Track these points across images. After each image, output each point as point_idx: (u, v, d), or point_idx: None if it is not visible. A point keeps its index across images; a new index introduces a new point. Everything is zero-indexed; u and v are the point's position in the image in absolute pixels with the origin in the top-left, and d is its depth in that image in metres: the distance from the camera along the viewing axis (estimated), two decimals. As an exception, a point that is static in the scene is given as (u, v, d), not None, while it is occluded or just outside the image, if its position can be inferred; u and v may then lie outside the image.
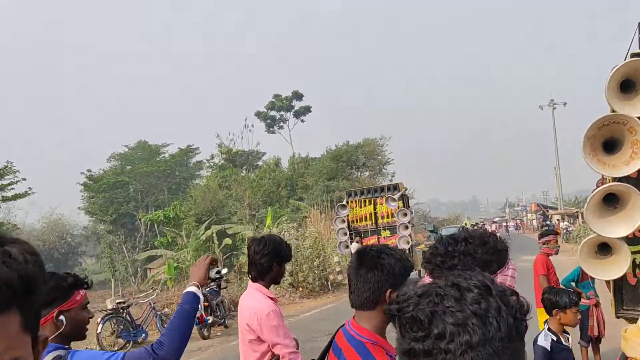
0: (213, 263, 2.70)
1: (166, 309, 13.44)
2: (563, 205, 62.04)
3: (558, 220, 52.42)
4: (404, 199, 18.78)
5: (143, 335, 11.02)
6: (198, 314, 2.35)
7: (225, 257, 34.52)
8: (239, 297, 13.04)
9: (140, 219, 59.96)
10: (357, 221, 18.89)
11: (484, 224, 45.34)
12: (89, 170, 62.88)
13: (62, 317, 2.19)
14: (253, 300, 3.28)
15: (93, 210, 61.33)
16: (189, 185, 64.48)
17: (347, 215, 18.72)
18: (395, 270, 2.02)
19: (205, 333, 11.72)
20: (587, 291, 6.90)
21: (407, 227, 17.93)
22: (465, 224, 43.60)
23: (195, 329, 12.65)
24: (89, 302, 2.34)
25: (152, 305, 11.65)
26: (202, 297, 2.54)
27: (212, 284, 12.95)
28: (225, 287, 14.27)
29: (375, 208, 18.67)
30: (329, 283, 18.71)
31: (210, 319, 11.84)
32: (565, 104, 56.34)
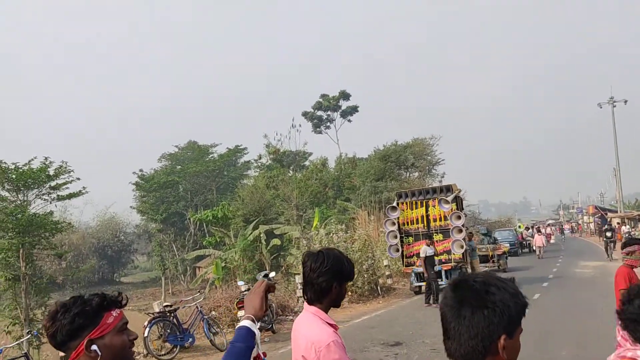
0: (271, 290, 2.24)
1: (213, 312, 13.20)
2: (623, 208, 59.13)
3: (618, 223, 49.91)
4: (458, 201, 18.00)
5: (190, 339, 10.78)
6: (254, 353, 1.86)
7: (272, 257, 34.39)
8: (286, 299, 12.59)
9: (189, 218, 60.84)
10: (408, 224, 18.23)
11: (538, 227, 43.55)
12: (140, 170, 64.29)
13: (94, 347, 1.79)
14: (310, 328, 2.80)
15: (144, 209, 62.63)
16: (236, 185, 64.96)
17: (398, 218, 18.08)
18: (510, 308, 1.51)
19: (253, 338, 11.39)
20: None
21: (461, 231, 17.16)
22: (520, 226, 42.12)
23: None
24: (127, 322, 1.92)
25: (199, 308, 11.41)
26: (258, 333, 2.09)
27: (259, 287, 12.65)
28: (273, 292, 13.97)
29: (427, 210, 17.97)
30: (378, 287, 18.12)
31: (258, 324, 11.48)
32: (626, 101, 53.64)
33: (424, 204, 18.02)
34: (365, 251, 17.91)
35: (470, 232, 21.62)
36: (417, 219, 18.09)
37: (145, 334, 10.15)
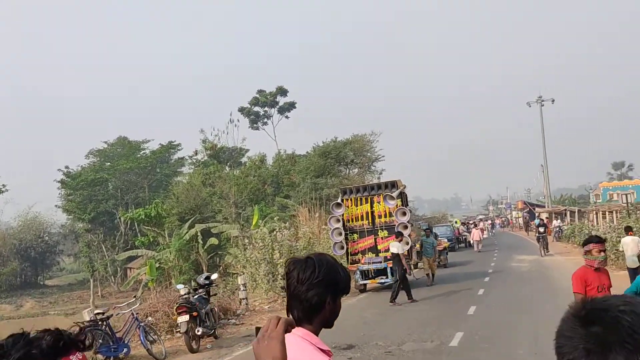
0: (289, 329, 1.60)
1: (149, 318, 12.26)
2: (550, 202, 61.75)
3: (547, 218, 51.99)
4: (403, 197, 17.78)
5: (125, 350, 9.84)
6: None
7: (209, 257, 33.28)
8: (227, 302, 11.78)
9: (119, 217, 58.29)
10: (352, 220, 17.84)
11: (475, 222, 44.60)
12: (66, 167, 61.03)
13: None
14: (300, 357, 2.19)
15: (71, 208, 59.48)
16: (170, 182, 62.89)
17: (342, 215, 17.67)
18: None
19: (194, 346, 10.57)
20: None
21: (406, 227, 16.92)
22: (456, 222, 42.96)
23: (183, 340, 11.49)
24: None
25: (135, 315, 10.48)
26: None
27: (200, 290, 11.76)
28: (216, 294, 13.13)
29: (372, 206, 17.64)
30: (322, 286, 17.62)
31: (200, 330, 10.69)
32: (553, 100, 56.03)
33: (369, 200, 17.69)
34: (309, 249, 17.36)
35: (429, 229, 21.57)
36: (362, 216, 17.73)
37: (74, 346, 9.15)
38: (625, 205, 24.37)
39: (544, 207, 63.75)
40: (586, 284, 5.49)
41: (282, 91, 71.15)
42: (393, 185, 17.68)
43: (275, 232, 16.81)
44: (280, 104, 71.83)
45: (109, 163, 64.78)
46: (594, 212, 39.56)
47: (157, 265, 31.63)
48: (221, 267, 31.00)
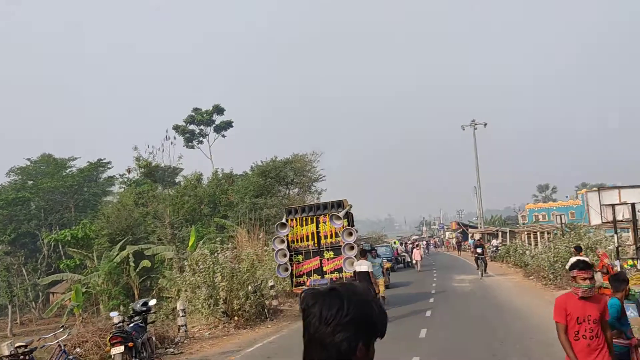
0: None
1: (77, 349, 11.15)
2: (483, 223, 63.53)
3: (480, 238, 53.24)
4: (349, 217, 17.41)
5: (50, 387, 8.77)
6: None
7: (141, 280, 31.62)
8: (164, 329, 10.88)
9: (43, 239, 54.88)
10: (297, 241, 17.26)
11: (415, 243, 45.06)
12: (-16, 185, 57.05)
13: None
14: None
15: (-12, 230, 55.44)
16: (99, 202, 60.03)
17: (287, 235, 17.07)
18: None
19: (130, 380, 9.62)
20: (626, 329, 5.68)
21: (352, 248, 16.52)
22: (395, 242, 43.21)
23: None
24: None
25: (62, 347, 9.39)
26: None
27: (136, 318, 10.80)
28: (154, 322, 12.12)
29: (317, 227, 17.15)
30: (265, 310, 16.87)
31: (136, 363, 9.74)
32: (485, 124, 57.92)
33: (315, 220, 17.19)
34: (253, 272, 16.60)
35: (374, 248, 21.25)
36: (307, 236, 17.18)
37: (-10, 386, 8.04)
38: (558, 225, 25.12)
39: (477, 227, 65.59)
40: (566, 313, 5.08)
41: (219, 109, 70.08)
42: (339, 204, 17.28)
43: (216, 254, 15.94)
44: (217, 122, 70.70)
45: (31, 181, 61.14)
46: (526, 233, 40.83)
47: (84, 290, 29.69)
48: (154, 291, 29.46)
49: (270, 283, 18.32)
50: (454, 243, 72.04)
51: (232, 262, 15.99)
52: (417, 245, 38.58)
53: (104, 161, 61.91)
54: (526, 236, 40.40)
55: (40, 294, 56.48)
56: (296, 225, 17.27)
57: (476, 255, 26.75)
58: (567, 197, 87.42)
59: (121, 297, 29.84)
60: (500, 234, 54.14)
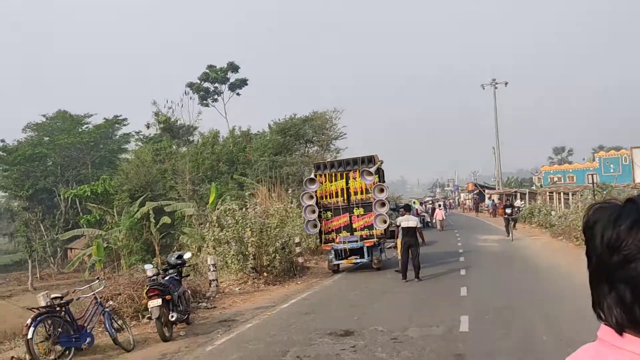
0: None
1: (110, 302, 10.90)
2: (502, 184, 62.80)
3: (499, 199, 52.69)
4: (380, 172, 16.90)
5: (88, 339, 8.48)
6: None
7: (161, 236, 31.56)
8: (194, 283, 10.58)
9: (60, 195, 55.14)
10: (326, 197, 16.83)
11: (433, 202, 44.61)
12: (2, 141, 57.07)
13: None
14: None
15: (7, 185, 55.83)
16: (115, 159, 59.96)
17: (316, 191, 16.63)
18: None
19: (167, 333, 9.33)
20: None
21: (384, 205, 16.10)
22: (414, 202, 42.72)
23: (150, 327, 10.22)
24: None
25: (99, 299, 9.12)
26: None
27: (171, 271, 10.48)
28: (188, 275, 11.83)
29: (347, 183, 16.68)
30: (293, 267, 16.59)
31: (174, 315, 9.44)
32: (506, 83, 56.62)
33: (344, 176, 16.71)
34: (282, 227, 16.26)
35: (399, 207, 20.85)
36: (336, 192, 16.74)
37: (30, 336, 7.75)
38: (589, 185, 24.48)
39: (494, 188, 64.89)
40: None
41: (234, 67, 68.97)
42: (370, 160, 16.75)
43: (244, 209, 15.58)
44: (232, 80, 69.75)
45: (47, 138, 61.06)
46: (548, 194, 40.18)
47: (105, 244, 29.70)
48: (175, 248, 29.41)
49: (296, 240, 17.98)
50: (470, 204, 71.51)
51: (262, 217, 15.62)
52: (439, 205, 38.20)
53: (120, 118, 61.52)
54: (548, 197, 39.77)
55: (59, 249, 57.13)
56: (325, 181, 16.82)
57: (506, 215, 25.27)
58: (583, 159, 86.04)
59: (142, 252, 29.87)
60: (519, 195, 53.47)
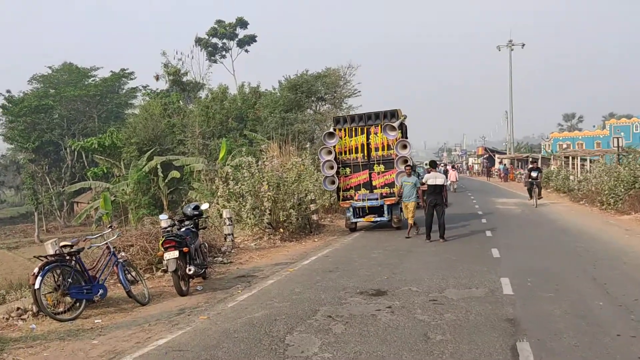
0: None
1: (122, 254, 10.31)
2: (508, 149, 61.79)
3: (511, 164, 51.83)
4: (403, 128, 16.05)
5: (100, 291, 7.88)
6: None
7: (169, 191, 31.01)
8: (209, 237, 9.92)
9: (67, 148, 54.59)
10: (345, 153, 16.07)
11: (446, 164, 43.83)
12: (8, 91, 56.17)
13: None
14: None
15: (12, 137, 55.24)
16: (122, 113, 59.10)
17: (335, 146, 15.85)
18: None
19: (184, 287, 8.74)
20: None
21: (406, 161, 15.32)
22: (426, 164, 41.94)
23: (164, 281, 9.64)
24: None
25: (112, 250, 8.50)
26: None
27: (187, 222, 9.81)
28: (205, 227, 11.15)
29: (368, 138, 15.88)
30: (309, 224, 15.96)
31: (192, 269, 8.82)
32: (523, 45, 54.98)
33: (365, 131, 15.90)
34: (300, 182, 15.55)
35: (411, 166, 19.97)
36: (356, 148, 15.97)
37: (37, 286, 7.16)
38: (614, 148, 23.57)
39: (505, 153, 63.90)
40: None
41: (242, 23, 67.32)
42: (392, 114, 15.88)
43: (262, 162, 14.86)
44: (240, 36, 68.19)
45: (53, 90, 60.08)
46: (563, 158, 39.27)
47: (112, 198, 29.17)
48: (184, 203, 28.86)
49: (310, 197, 17.27)
50: (478, 169, 70.60)
51: (278, 172, 14.90)
52: (453, 167, 37.49)
53: (127, 71, 60.34)
54: (563, 162, 38.88)
55: (65, 202, 56.93)
56: (344, 136, 16.02)
57: (530, 179, 23.25)
58: (594, 126, 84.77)
59: (151, 207, 29.38)
60: (530, 160, 52.54)
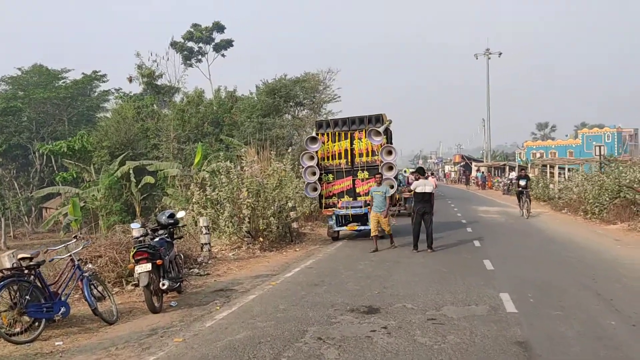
0: None
1: (90, 265, 9.49)
2: (485, 157, 62.04)
3: (488, 172, 51.92)
4: (388, 133, 15.50)
5: (62, 309, 7.06)
6: None
7: (142, 197, 29.96)
8: (184, 248, 9.19)
9: (35, 151, 52.79)
10: (328, 159, 15.45)
11: (432, 171, 43.56)
12: (-27, 92, 54.13)
13: None
14: None
15: (-22, 139, 53.10)
16: (93, 117, 57.59)
17: (317, 151, 15.21)
18: None
19: (157, 303, 7.96)
20: None
21: (391, 168, 14.78)
22: (405, 171, 41.60)
23: (135, 295, 8.85)
24: None
25: (76, 262, 7.70)
26: None
27: (161, 232, 9.05)
28: (181, 237, 10.37)
29: (352, 143, 15.28)
30: (290, 232, 15.28)
31: (166, 283, 8.06)
32: (500, 53, 55.33)
33: (349, 136, 15.30)
34: (281, 188, 14.84)
35: (381, 174, 19.35)
36: (339, 154, 15.35)
37: (-10, 305, 6.34)
38: (596, 157, 23.42)
39: (482, 161, 64.13)
40: None
41: (219, 27, 66.53)
42: (377, 119, 15.32)
43: (241, 168, 14.14)
44: (217, 40, 67.34)
45: (22, 92, 58.12)
46: (542, 166, 39.34)
47: (82, 204, 28.02)
48: (157, 209, 27.90)
49: (290, 204, 16.56)
50: (455, 177, 70.74)
51: (259, 177, 14.18)
52: (432, 173, 37.21)
53: (99, 74, 58.79)
54: (541, 170, 38.92)
55: (33, 208, 54.98)
56: (327, 141, 15.40)
57: (520, 188, 21.35)
58: (566, 135, 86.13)
59: (122, 213, 28.30)
60: (507, 168, 52.71)
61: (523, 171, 23.17)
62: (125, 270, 9.16)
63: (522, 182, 21.16)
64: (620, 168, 20.46)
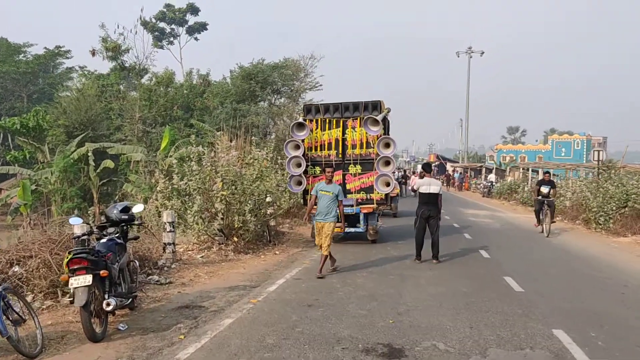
0: None
1: (16, 268, 7.40)
2: (462, 158, 60.98)
3: (467, 173, 50.77)
4: (386, 124, 13.58)
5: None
6: None
7: (102, 182, 27.39)
8: (141, 249, 6.99)
9: (-12, 128, 49.20)
10: (315, 149, 13.45)
11: (413, 171, 42.07)
12: None
13: None
14: None
15: None
16: (55, 95, 54.19)
17: (304, 140, 13.21)
18: None
19: (98, 329, 5.87)
20: None
21: (389, 163, 12.90)
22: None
23: (74, 313, 6.75)
24: None
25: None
26: None
27: (111, 230, 6.92)
28: (138, 238, 8.19)
29: (344, 133, 13.32)
30: (268, 232, 13.27)
31: (111, 303, 5.95)
32: (482, 53, 54.16)
33: (341, 124, 13.33)
34: (262, 180, 12.78)
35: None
36: (329, 144, 13.38)
37: None
38: (593, 162, 22.08)
39: (457, 162, 63.08)
40: None
41: (193, 9, 63.84)
42: (375, 106, 13.35)
43: (215, 154, 12.06)
44: (190, 23, 64.68)
45: (-21, 65, 54.30)
46: (522, 170, 38.23)
47: (34, 187, 25.33)
48: (117, 197, 25.44)
49: (268, 199, 14.49)
50: (438, 176, 69.51)
51: (237, 167, 12.09)
52: (413, 172, 35.69)
53: (63, 49, 55.29)
54: (521, 174, 37.84)
55: (-16, 189, 51.41)
56: (316, 129, 13.40)
57: (540, 197, 16.49)
58: (536, 140, 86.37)
59: (77, 199, 25.71)
60: (484, 170, 51.67)
61: (547, 175, 17.53)
62: (62, 279, 7.02)
63: (545, 189, 16.44)
64: (621, 175, 19.14)
